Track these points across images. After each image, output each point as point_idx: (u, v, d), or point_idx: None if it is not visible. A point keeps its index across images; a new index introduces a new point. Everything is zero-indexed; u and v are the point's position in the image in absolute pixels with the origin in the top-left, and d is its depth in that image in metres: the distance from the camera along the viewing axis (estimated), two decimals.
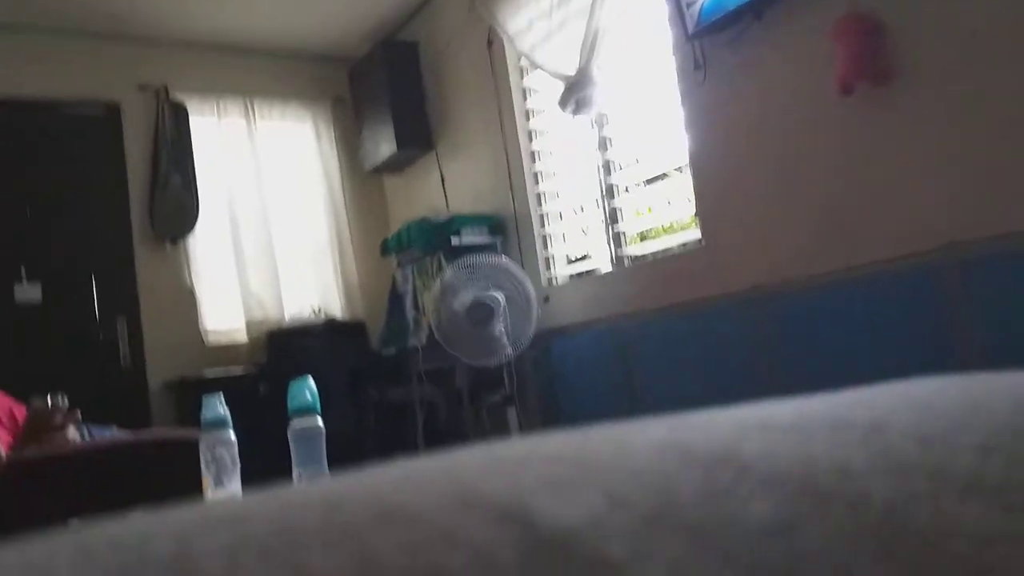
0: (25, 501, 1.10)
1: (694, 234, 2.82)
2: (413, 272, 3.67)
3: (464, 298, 2.94)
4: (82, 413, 1.53)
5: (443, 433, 3.61)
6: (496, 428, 3.34)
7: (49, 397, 1.45)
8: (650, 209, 3.20)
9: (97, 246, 3.82)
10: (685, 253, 2.84)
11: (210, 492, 1.11)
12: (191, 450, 1.12)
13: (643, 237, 3.13)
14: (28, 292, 3.63)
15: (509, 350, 2.96)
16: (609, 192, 3.13)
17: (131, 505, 1.02)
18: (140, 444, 1.22)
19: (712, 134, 2.65)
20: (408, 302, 3.68)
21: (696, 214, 2.79)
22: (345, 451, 1.16)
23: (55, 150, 3.78)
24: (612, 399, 2.99)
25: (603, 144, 3.15)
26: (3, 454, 1.09)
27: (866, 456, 0.19)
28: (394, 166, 4.31)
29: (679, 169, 2.90)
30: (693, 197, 2.76)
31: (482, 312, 2.92)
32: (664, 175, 3.03)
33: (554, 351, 3.31)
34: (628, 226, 3.11)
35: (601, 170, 3.14)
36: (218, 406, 1.13)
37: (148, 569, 0.12)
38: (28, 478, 1.06)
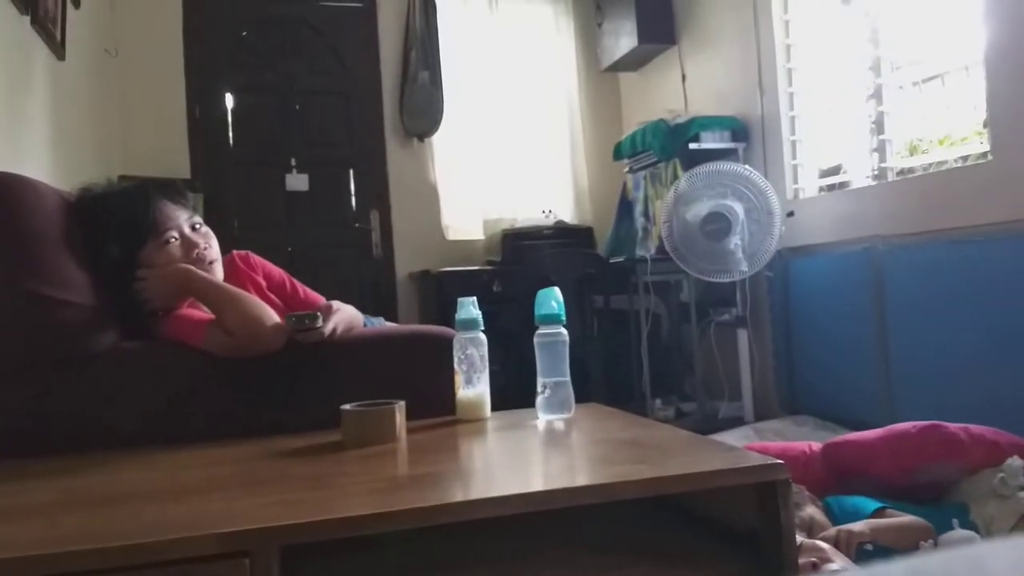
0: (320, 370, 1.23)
1: (978, 147, 2.43)
2: (645, 179, 3.57)
3: (699, 208, 2.81)
4: (340, 298, 1.57)
5: (665, 346, 3.57)
6: (723, 348, 3.23)
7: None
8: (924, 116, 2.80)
9: (354, 141, 4.14)
10: (966, 169, 2.46)
11: (460, 389, 1.18)
12: (446, 346, 1.19)
13: (913, 149, 2.75)
14: (297, 182, 4.05)
15: (745, 267, 2.80)
16: (876, 94, 2.76)
17: (390, 390, 1.13)
18: (407, 335, 1.33)
19: (1018, 26, 2.20)
20: (638, 210, 3.60)
21: (986, 123, 2.38)
22: (570, 357, 1.17)
23: (316, 42, 4.09)
24: (856, 332, 2.73)
25: (874, 37, 2.77)
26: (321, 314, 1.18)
27: None
28: (632, 63, 4.15)
29: (965, 69, 2.48)
30: (984, 103, 2.36)
31: (718, 224, 2.77)
32: (940, 76, 2.60)
33: (794, 272, 3.08)
34: (895, 135, 2.74)
35: (869, 68, 2.77)
36: (471, 308, 1.18)
37: None
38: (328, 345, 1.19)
